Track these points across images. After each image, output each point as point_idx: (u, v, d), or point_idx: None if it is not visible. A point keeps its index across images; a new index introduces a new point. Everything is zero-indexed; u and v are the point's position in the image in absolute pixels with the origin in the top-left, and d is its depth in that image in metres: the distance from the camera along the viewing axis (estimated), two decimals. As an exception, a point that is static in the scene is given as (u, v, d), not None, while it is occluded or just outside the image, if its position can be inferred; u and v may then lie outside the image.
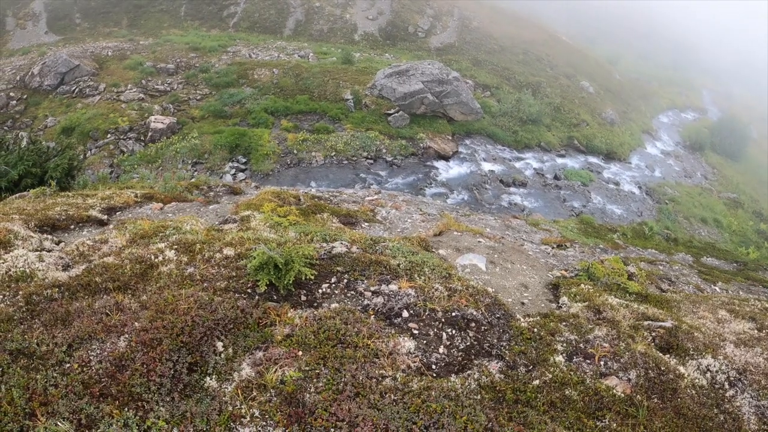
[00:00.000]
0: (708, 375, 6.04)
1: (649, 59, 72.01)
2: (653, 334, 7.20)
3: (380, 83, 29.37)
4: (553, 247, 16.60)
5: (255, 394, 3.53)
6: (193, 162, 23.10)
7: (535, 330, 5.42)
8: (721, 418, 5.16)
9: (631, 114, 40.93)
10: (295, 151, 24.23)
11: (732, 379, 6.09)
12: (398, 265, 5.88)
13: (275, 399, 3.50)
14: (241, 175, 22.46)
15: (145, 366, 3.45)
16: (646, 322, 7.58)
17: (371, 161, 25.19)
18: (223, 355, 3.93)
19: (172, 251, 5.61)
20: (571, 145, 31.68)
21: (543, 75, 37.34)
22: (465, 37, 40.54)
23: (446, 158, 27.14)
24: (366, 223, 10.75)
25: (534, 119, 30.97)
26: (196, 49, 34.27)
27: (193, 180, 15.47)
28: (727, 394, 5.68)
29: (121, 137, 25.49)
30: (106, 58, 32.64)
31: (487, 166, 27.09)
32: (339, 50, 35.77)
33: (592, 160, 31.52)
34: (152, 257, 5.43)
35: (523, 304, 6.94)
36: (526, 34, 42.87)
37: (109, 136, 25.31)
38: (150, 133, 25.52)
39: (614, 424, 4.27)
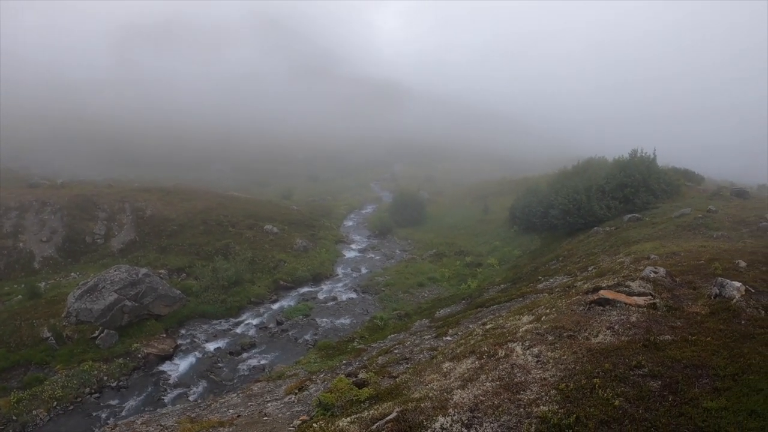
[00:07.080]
0: (445, 433, 6.69)
1: (319, 178, 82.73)
2: (383, 431, 7.88)
3: (74, 308, 26.52)
4: (295, 393, 17.00)
5: None
6: None
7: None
8: (470, 462, 5.45)
9: (320, 233, 45.90)
10: (14, 417, 20.33)
11: (467, 420, 6.84)
12: None
13: None
14: (-32, 470, 18.14)
15: None
16: (374, 426, 8.26)
17: (97, 395, 22.29)
18: None
19: None
20: (279, 287, 33.47)
21: (228, 236, 39.05)
22: (143, 229, 39.85)
23: (169, 357, 25.53)
24: (103, 475, 10.16)
25: (235, 281, 31.71)
26: None
27: None
28: (468, 438, 6.36)
29: None
30: None
31: (211, 346, 26.40)
32: (22, 285, 31.61)
33: (304, 290, 33.80)
34: None
35: (268, 481, 7.13)
36: (200, 205, 44.58)
37: None
38: None
39: None
